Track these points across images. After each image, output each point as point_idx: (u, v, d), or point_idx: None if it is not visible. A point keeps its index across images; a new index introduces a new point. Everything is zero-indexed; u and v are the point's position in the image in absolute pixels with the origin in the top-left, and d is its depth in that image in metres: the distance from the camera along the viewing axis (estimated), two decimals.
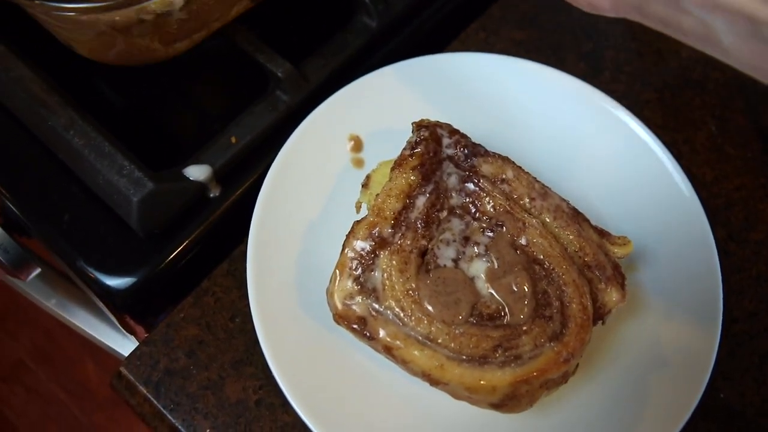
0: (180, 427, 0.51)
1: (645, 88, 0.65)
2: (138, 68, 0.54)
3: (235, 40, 0.54)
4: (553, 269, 0.48)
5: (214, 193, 0.54)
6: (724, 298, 0.56)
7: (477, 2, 0.67)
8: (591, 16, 0.67)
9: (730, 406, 0.54)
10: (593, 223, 0.52)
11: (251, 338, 0.53)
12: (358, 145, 0.57)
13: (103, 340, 0.67)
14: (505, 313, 0.47)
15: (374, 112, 0.57)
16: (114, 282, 0.51)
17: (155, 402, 0.51)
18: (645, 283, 0.56)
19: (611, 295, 0.49)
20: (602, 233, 0.51)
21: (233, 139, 0.53)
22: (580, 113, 0.59)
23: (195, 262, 0.54)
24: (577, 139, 0.59)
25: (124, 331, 0.59)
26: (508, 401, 0.46)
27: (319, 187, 0.55)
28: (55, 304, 0.66)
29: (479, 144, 0.51)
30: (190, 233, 0.53)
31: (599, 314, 0.49)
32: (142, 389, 0.51)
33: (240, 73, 0.59)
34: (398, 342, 0.45)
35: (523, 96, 0.60)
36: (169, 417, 0.51)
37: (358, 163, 0.56)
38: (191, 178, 0.51)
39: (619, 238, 0.51)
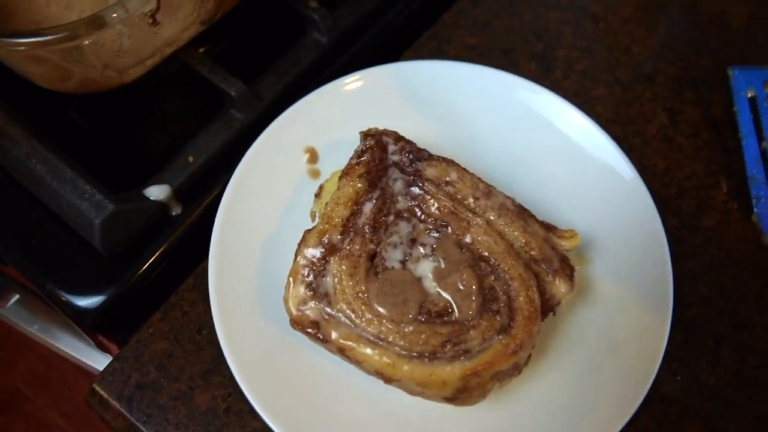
0: None
1: (596, 85, 0.67)
2: (98, 94, 0.56)
3: (188, 63, 0.56)
4: (499, 265, 0.49)
5: (176, 211, 0.56)
6: (677, 285, 0.57)
7: (428, 12, 0.69)
8: (542, 18, 0.70)
9: (687, 389, 0.56)
10: (540, 218, 0.53)
11: (218, 349, 0.54)
12: (313, 156, 0.59)
13: (87, 361, 0.69)
14: (453, 310, 0.48)
15: (329, 124, 0.59)
16: (83, 302, 0.53)
17: (128, 416, 0.53)
18: (598, 273, 0.57)
19: (559, 287, 0.51)
20: (549, 228, 0.53)
21: (191, 159, 0.55)
22: (529, 113, 0.61)
23: (162, 279, 0.56)
24: (528, 138, 0.61)
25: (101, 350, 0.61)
26: (460, 394, 0.47)
27: (277, 200, 0.57)
28: (38, 329, 0.68)
29: (424, 149, 0.53)
30: (155, 251, 0.55)
31: (549, 306, 0.51)
32: (115, 404, 0.53)
33: (198, 93, 0.62)
34: (350, 343, 0.47)
35: (474, 99, 0.62)
36: (143, 429, 0.53)
37: (315, 174, 0.59)
38: (152, 198, 0.54)
39: (566, 231, 0.53)
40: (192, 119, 0.61)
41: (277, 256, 0.55)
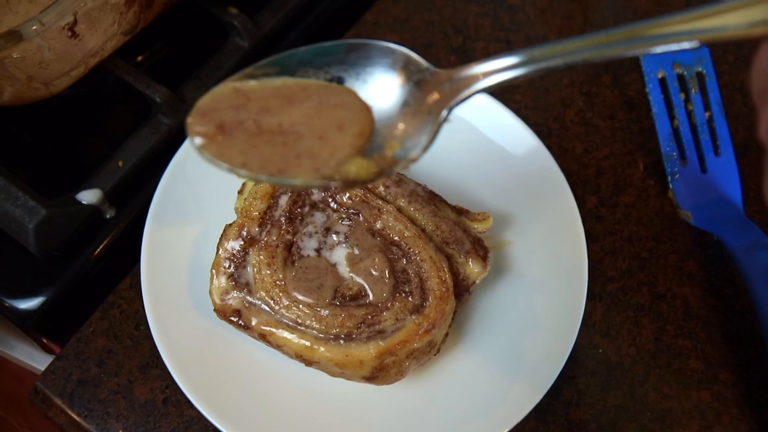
0: (94, 431, 0.55)
1: None
2: (32, 104, 0.59)
3: (114, 72, 0.59)
4: (410, 249, 0.52)
5: (110, 214, 0.58)
6: (598, 260, 0.60)
7: (349, 12, 0.71)
8: (461, 13, 0.72)
9: (609, 360, 0.58)
10: (455, 204, 0.56)
11: (155, 344, 0.57)
12: None
13: (41, 368, 0.71)
14: (366, 294, 0.51)
15: None
16: (24, 305, 0.56)
17: (70, 411, 0.55)
18: (517, 254, 0.60)
19: (473, 268, 0.53)
20: (461, 211, 0.55)
21: (120, 163, 0.58)
22: None
23: (100, 279, 0.59)
24: (448, 129, 0.63)
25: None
26: (378, 373, 0.50)
27: (205, 198, 0.59)
28: None
29: None
30: (91, 253, 0.58)
31: (464, 287, 0.53)
32: (58, 401, 0.56)
33: (129, 102, 0.64)
34: (270, 328, 0.50)
35: None
36: (84, 423, 0.55)
37: None
38: (84, 202, 0.56)
39: (478, 214, 0.56)
40: (124, 127, 0.63)
41: (207, 251, 0.57)
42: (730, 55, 0.71)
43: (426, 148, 0.36)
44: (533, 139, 0.61)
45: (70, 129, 0.64)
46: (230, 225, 0.53)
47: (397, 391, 0.55)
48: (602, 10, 0.73)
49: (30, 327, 0.57)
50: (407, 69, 0.38)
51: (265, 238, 0.52)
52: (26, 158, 0.62)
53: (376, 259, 0.51)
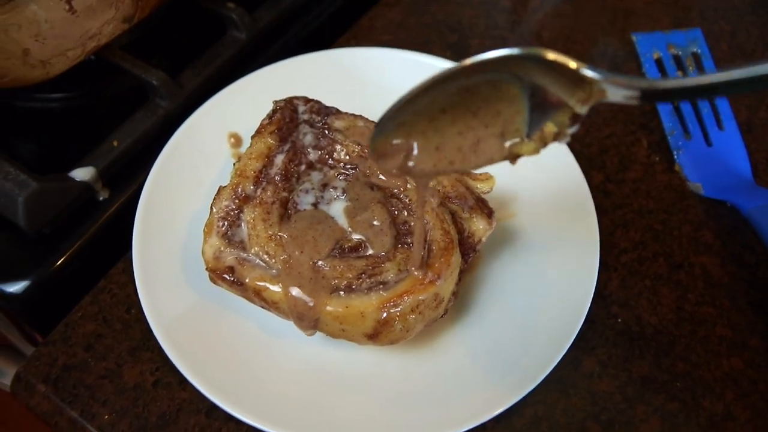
0: (78, 417, 0.51)
1: None
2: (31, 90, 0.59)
3: (110, 59, 0.60)
4: (411, 200, 0.50)
5: (103, 195, 0.57)
6: (609, 232, 0.58)
7: (346, 17, 0.73)
8: (455, 15, 0.74)
9: (630, 330, 0.54)
10: None
11: (147, 326, 0.54)
12: (238, 141, 0.61)
13: None
14: (367, 246, 0.48)
15: (251, 111, 0.61)
16: (10, 288, 0.53)
17: (53, 397, 0.52)
18: (525, 225, 0.58)
19: (477, 224, 0.51)
20: (462, 172, 0.54)
21: (115, 143, 0.57)
22: None
23: (90, 265, 0.56)
24: None
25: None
26: (381, 328, 0.46)
27: (201, 181, 0.58)
28: None
29: (332, 106, 0.55)
30: (82, 234, 0.56)
31: (470, 244, 0.51)
32: (41, 387, 0.52)
33: (129, 91, 0.64)
34: (265, 283, 0.47)
35: (393, 80, 0.64)
36: (68, 409, 0.51)
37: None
38: (77, 179, 0.55)
39: (480, 174, 0.54)
40: (121, 113, 0.62)
41: (201, 231, 0.55)
42: (723, 44, 0.72)
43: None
44: None
45: (67, 119, 0.64)
46: (224, 186, 0.51)
47: (403, 362, 0.51)
48: (591, 8, 0.74)
49: (17, 311, 0.54)
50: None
51: (261, 195, 0.50)
52: (23, 141, 0.61)
53: (376, 211, 0.49)
